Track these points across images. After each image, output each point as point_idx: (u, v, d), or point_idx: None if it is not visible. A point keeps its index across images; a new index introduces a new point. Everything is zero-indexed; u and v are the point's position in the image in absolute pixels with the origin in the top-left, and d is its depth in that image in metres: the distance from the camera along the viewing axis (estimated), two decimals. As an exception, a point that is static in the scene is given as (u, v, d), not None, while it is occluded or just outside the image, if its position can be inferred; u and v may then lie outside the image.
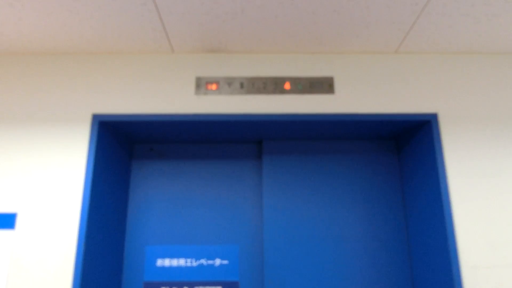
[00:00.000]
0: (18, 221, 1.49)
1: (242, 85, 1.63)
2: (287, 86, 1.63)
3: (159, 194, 1.85)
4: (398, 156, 1.88)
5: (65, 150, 1.56)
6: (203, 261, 1.77)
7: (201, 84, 1.63)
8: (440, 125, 1.60)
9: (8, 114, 1.60)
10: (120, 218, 1.78)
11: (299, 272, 1.72)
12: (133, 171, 1.88)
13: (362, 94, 1.64)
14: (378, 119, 1.61)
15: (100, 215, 1.59)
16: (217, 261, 1.77)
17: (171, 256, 1.77)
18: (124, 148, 1.83)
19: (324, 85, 1.64)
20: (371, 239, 1.77)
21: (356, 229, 1.78)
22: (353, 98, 1.63)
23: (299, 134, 1.80)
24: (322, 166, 1.86)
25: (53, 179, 1.53)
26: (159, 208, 1.83)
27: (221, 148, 1.91)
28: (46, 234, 1.48)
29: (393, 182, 1.85)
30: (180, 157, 1.90)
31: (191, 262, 1.77)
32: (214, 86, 1.62)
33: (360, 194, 1.82)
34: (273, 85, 1.63)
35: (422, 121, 1.62)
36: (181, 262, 1.77)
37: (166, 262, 1.77)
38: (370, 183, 1.84)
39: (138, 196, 1.85)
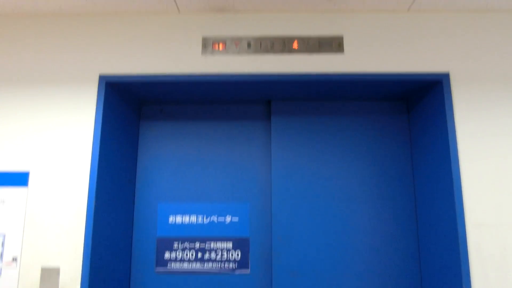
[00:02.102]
0: (31, 179, 1.53)
1: (249, 45, 1.60)
2: (295, 45, 1.60)
3: (169, 154, 1.86)
4: (408, 117, 1.85)
5: (74, 111, 1.57)
6: (214, 218, 1.80)
7: (208, 44, 1.61)
8: (451, 85, 1.57)
9: (16, 75, 1.61)
10: (129, 176, 1.81)
11: (306, 230, 1.75)
12: (143, 131, 1.89)
13: (372, 53, 1.60)
14: (388, 78, 1.58)
15: (109, 173, 1.61)
16: (228, 218, 1.80)
17: (183, 213, 1.81)
18: (131, 108, 1.83)
19: (333, 44, 1.60)
20: (378, 198, 1.78)
21: (363, 189, 1.79)
22: (363, 58, 1.60)
23: (307, 95, 1.78)
24: (330, 126, 1.85)
25: (63, 138, 1.55)
26: (170, 167, 1.85)
27: (230, 109, 1.91)
28: (58, 191, 1.52)
29: (402, 143, 1.83)
30: (190, 117, 1.90)
31: (203, 219, 1.80)
32: (221, 46, 1.60)
33: (368, 155, 1.82)
34: (281, 45, 1.60)
35: (433, 81, 1.59)
36: (193, 219, 1.80)
37: (178, 219, 1.80)
38: (379, 144, 1.83)
39: (148, 156, 1.86)
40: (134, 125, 1.86)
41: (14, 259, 1.48)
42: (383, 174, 1.80)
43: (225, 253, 1.77)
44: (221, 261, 1.77)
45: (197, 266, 1.76)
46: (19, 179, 1.53)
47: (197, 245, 1.78)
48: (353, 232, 1.75)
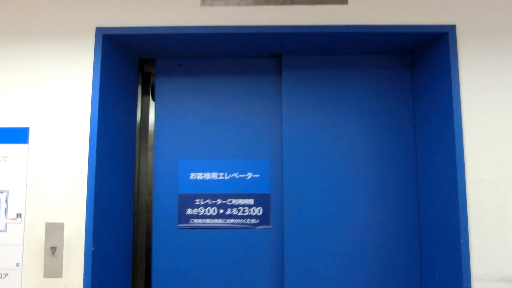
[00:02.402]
0: (31, 136, 1.53)
1: (249, -4, 1.55)
2: (297, -4, 1.55)
3: (187, 110, 1.84)
4: (412, 71, 1.82)
5: (71, 65, 1.54)
6: (235, 175, 1.82)
7: (207, -5, 1.56)
8: (457, 38, 1.53)
9: (10, 29, 1.57)
10: (130, 132, 1.80)
11: (316, 186, 1.76)
12: (160, 87, 1.86)
13: (376, 5, 1.55)
14: (392, 31, 1.54)
15: (109, 128, 1.60)
16: (249, 175, 1.82)
17: (204, 170, 1.82)
18: (130, 62, 1.79)
19: (336, -5, 1.55)
20: (380, 153, 1.78)
21: (366, 144, 1.79)
22: (366, 9, 1.55)
23: (310, 48, 1.74)
24: (336, 81, 1.82)
25: (61, 93, 1.53)
26: (189, 124, 1.83)
27: (240, 63, 1.87)
28: (58, 147, 1.52)
29: (404, 98, 1.81)
30: (206, 72, 1.86)
31: (223, 175, 1.82)
32: (220, -3, 1.55)
33: (370, 109, 1.80)
34: (283, -4, 1.55)
35: (439, 34, 1.55)
36: (214, 175, 1.82)
37: (199, 176, 1.82)
38: (381, 99, 1.81)
39: (166, 112, 1.84)
40: (133, 79, 1.83)
41: (19, 215, 1.50)
42: (385, 128, 1.79)
43: (246, 209, 1.80)
44: (243, 217, 1.79)
45: (219, 221, 1.79)
46: (20, 135, 1.53)
47: (219, 201, 1.80)
48: (356, 188, 1.76)
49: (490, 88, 1.51)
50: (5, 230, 1.49)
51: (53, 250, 1.47)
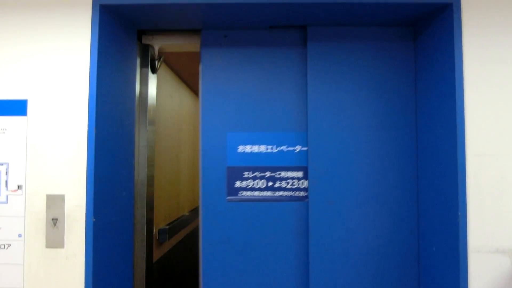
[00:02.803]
0: (30, 108, 1.52)
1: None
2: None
3: (232, 83, 1.82)
4: (414, 44, 1.79)
5: (69, 35, 1.52)
6: (283, 148, 1.82)
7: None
8: (462, 9, 1.50)
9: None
10: (129, 104, 1.78)
11: (339, 160, 1.77)
12: (205, 59, 1.83)
13: (380, -26, 1.52)
14: (396, 1, 1.51)
15: (108, 100, 1.59)
16: (298, 148, 1.82)
17: (252, 143, 1.82)
18: (128, 34, 1.77)
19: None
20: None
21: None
22: (370, -21, 1.52)
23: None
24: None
25: (59, 64, 1.52)
26: (235, 96, 1.82)
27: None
28: (57, 119, 1.51)
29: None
30: (246, 44, 1.83)
31: (272, 148, 1.82)
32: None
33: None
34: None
35: (443, 4, 1.52)
36: (262, 148, 1.82)
37: (247, 149, 1.82)
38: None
39: (212, 84, 1.82)
40: (132, 51, 1.81)
41: (19, 187, 1.51)
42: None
43: (295, 182, 1.81)
44: (292, 190, 1.81)
45: (267, 194, 1.81)
46: (18, 107, 1.52)
47: (268, 174, 1.81)
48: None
49: (494, 61, 1.49)
50: (6, 202, 1.51)
51: (55, 222, 1.49)
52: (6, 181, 1.51)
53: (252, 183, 1.81)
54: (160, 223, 2.45)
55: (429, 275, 1.66)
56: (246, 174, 1.81)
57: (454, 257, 1.47)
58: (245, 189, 1.81)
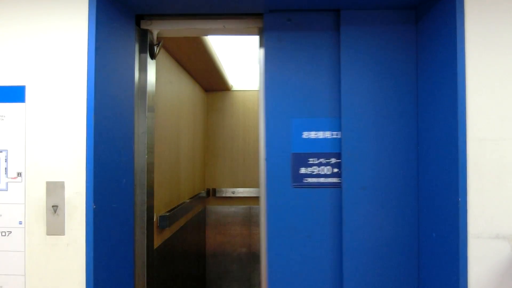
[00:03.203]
0: (28, 94, 1.51)
1: None
2: None
3: (295, 67, 1.80)
4: (416, 27, 1.76)
5: (65, 21, 1.50)
6: None
7: None
8: (465, -8, 1.48)
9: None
10: (129, 89, 1.76)
11: (371, 146, 1.77)
12: (269, 43, 1.80)
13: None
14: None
15: (107, 86, 1.58)
16: None
17: (317, 129, 1.80)
18: (126, 18, 1.74)
19: None
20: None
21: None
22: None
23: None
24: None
25: (57, 50, 1.50)
26: (298, 81, 1.80)
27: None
28: (55, 106, 1.50)
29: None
30: (309, 27, 1.80)
31: (337, 134, 1.80)
32: None
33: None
34: None
35: (446, -13, 1.50)
36: (327, 134, 1.80)
37: (312, 135, 1.80)
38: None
39: (273, 70, 1.79)
40: (130, 36, 1.78)
41: (19, 174, 1.50)
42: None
43: None
44: None
45: (333, 180, 1.80)
46: (16, 94, 1.51)
47: (333, 160, 1.80)
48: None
49: (496, 44, 1.47)
50: (6, 189, 1.50)
51: (55, 209, 1.49)
52: (6, 168, 1.50)
53: (318, 169, 1.80)
54: (160, 210, 2.45)
55: (429, 261, 1.66)
56: (311, 161, 1.80)
57: (454, 243, 1.47)
58: (311, 175, 1.79)
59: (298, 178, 1.79)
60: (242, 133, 4.15)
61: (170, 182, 2.75)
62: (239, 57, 3.79)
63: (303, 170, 1.79)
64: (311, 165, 1.79)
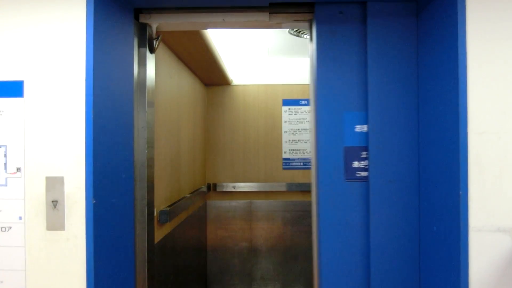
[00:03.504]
0: (26, 89, 1.50)
1: None
2: None
3: (343, 59, 1.79)
4: (417, 20, 1.75)
5: (63, 13, 1.48)
6: None
7: None
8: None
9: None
10: (128, 83, 1.75)
11: (396, 139, 1.76)
12: (321, 35, 1.79)
13: None
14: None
15: (105, 81, 1.56)
16: None
17: (368, 122, 1.78)
18: (125, 12, 1.73)
19: None
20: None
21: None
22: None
23: None
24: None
25: (55, 45, 1.49)
26: (351, 73, 1.79)
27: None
28: (54, 101, 1.49)
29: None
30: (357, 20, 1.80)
31: None
32: None
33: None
34: None
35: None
36: None
37: (365, 128, 1.79)
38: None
39: (324, 63, 1.78)
40: (129, 30, 1.77)
41: (18, 170, 1.50)
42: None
43: None
44: None
45: None
46: (14, 89, 1.50)
47: None
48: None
49: (499, 37, 1.45)
50: (5, 185, 1.50)
51: (55, 204, 1.49)
52: (5, 164, 1.50)
53: None
54: (161, 205, 2.45)
55: (430, 254, 1.66)
56: (364, 154, 1.78)
57: (455, 236, 1.46)
58: (363, 169, 1.79)
59: (351, 172, 1.78)
60: (243, 128, 4.14)
61: (171, 177, 2.74)
62: (240, 51, 3.77)
63: (356, 164, 1.78)
64: (364, 159, 1.78)
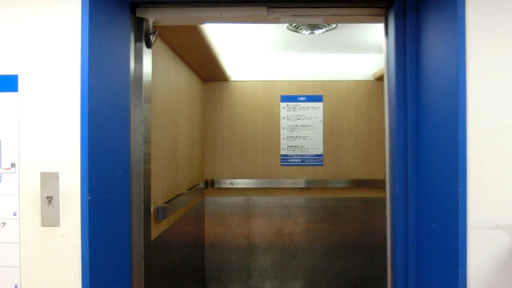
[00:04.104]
0: (21, 83, 1.48)
1: None
2: None
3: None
4: (416, 15, 1.74)
5: (58, 6, 1.47)
6: None
7: None
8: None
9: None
10: (124, 78, 1.74)
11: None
12: (397, 32, 1.78)
13: None
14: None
15: (101, 75, 1.55)
16: None
17: None
18: (121, 6, 1.71)
19: None
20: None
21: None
22: None
23: None
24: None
25: (49, 38, 1.47)
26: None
27: None
28: (49, 95, 1.48)
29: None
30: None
31: None
32: None
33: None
34: None
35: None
36: None
37: None
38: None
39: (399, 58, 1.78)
40: (125, 24, 1.75)
41: (13, 165, 1.48)
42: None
43: None
44: None
45: None
46: (9, 83, 1.48)
47: None
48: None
49: (499, 30, 1.44)
50: (0, 180, 1.49)
51: (49, 200, 1.47)
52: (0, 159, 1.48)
53: None
54: (158, 201, 2.44)
55: (428, 251, 1.66)
56: None
57: (453, 234, 1.46)
58: None
59: None
60: (241, 124, 4.13)
61: (168, 173, 2.73)
62: (237, 46, 3.75)
63: None
64: None
